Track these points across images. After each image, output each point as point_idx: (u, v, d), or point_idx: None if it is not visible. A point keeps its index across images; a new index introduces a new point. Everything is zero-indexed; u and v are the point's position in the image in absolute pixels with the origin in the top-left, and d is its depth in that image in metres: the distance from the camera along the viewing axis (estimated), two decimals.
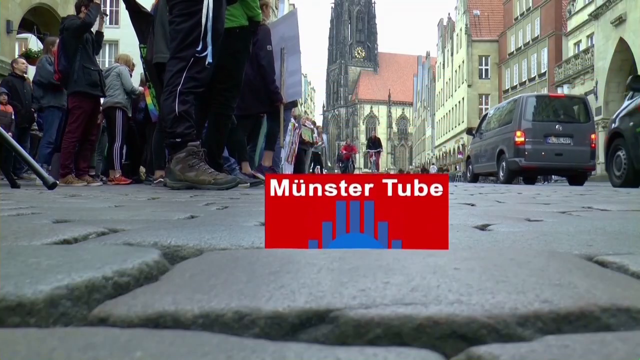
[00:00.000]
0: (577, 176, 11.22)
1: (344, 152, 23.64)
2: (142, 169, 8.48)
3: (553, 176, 17.21)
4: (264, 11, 5.58)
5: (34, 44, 16.72)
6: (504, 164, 11.40)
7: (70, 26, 5.98)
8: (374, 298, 0.45)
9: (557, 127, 10.91)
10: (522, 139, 10.82)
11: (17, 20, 13.95)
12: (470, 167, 14.47)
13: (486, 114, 14.17)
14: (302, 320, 0.42)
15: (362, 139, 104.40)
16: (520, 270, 0.58)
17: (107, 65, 10.65)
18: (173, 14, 3.78)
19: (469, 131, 15.19)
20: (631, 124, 6.89)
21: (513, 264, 0.61)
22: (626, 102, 7.53)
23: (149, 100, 7.03)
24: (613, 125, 7.58)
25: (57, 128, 6.85)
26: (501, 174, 11.61)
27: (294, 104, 7.48)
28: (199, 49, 3.66)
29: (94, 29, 6.24)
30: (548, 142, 10.88)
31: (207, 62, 3.70)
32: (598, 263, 0.69)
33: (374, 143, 22.13)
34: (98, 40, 6.43)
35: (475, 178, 14.20)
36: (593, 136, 10.99)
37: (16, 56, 12.51)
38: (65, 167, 6.03)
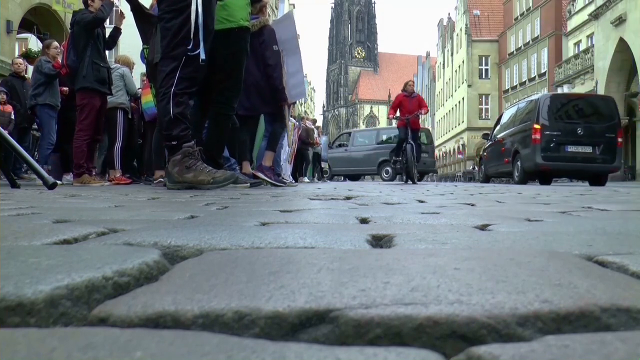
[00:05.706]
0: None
1: (406, 112, 9.95)
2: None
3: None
4: (263, 11, 5.57)
5: (34, 44, 16.74)
6: (388, 169, 16.70)
7: (82, 20, 5.89)
8: (374, 298, 0.45)
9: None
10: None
11: (17, 20, 13.96)
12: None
13: (349, 133, 20.85)
14: (302, 320, 0.42)
15: None
16: (520, 270, 0.58)
17: None
18: (161, 10, 3.72)
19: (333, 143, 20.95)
20: (484, 153, 13.70)
21: (513, 264, 0.61)
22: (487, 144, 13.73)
23: (148, 99, 7.02)
24: (482, 152, 14.15)
25: (56, 128, 6.81)
26: (384, 175, 17.43)
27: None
28: (189, 47, 3.60)
29: (110, 25, 6.16)
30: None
31: (200, 60, 3.65)
32: (598, 263, 0.69)
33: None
34: (114, 36, 6.37)
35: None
36: None
37: (16, 56, 12.52)
38: (79, 167, 5.94)
